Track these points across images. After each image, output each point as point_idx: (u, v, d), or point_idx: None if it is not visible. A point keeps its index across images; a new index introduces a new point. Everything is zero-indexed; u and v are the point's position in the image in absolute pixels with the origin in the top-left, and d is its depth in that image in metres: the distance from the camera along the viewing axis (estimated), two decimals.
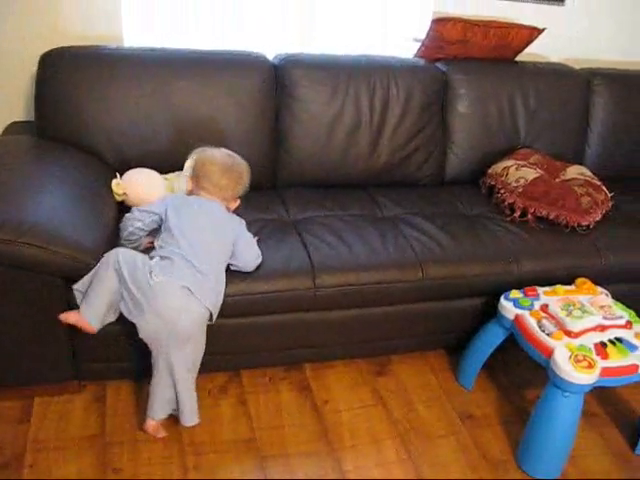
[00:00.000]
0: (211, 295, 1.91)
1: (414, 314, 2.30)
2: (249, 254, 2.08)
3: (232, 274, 2.04)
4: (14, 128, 2.54)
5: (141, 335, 1.88)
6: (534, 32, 2.80)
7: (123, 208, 2.20)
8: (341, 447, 2.08)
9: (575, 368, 1.91)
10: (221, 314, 2.04)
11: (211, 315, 1.92)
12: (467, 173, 2.81)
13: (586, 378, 1.91)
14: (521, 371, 2.45)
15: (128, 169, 2.34)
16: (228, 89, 2.48)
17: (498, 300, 2.21)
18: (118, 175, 2.30)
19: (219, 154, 2.09)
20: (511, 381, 2.43)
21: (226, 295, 2.01)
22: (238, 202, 2.14)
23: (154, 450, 2.00)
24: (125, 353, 2.10)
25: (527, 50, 2.87)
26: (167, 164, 2.40)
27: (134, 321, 1.88)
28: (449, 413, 2.26)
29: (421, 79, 2.68)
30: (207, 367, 2.21)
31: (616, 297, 2.23)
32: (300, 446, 2.08)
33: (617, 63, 3.12)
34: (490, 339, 2.25)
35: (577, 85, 2.91)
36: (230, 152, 2.12)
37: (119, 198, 2.27)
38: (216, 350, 2.16)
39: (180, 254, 1.89)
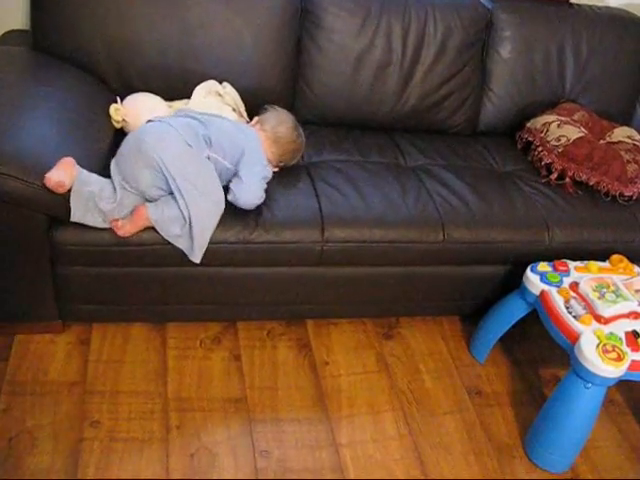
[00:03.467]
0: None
1: (430, 277, 2.10)
2: (251, 184, 1.87)
3: (231, 218, 1.84)
4: (10, 37, 2.30)
5: None
6: None
7: (122, 136, 1.99)
8: (337, 416, 1.93)
9: (602, 359, 1.72)
10: (218, 262, 1.87)
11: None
12: (503, 124, 2.55)
13: (613, 371, 1.72)
14: (540, 347, 2.27)
15: (130, 93, 2.12)
16: (247, 10, 2.21)
17: (523, 270, 2.01)
18: (119, 99, 2.08)
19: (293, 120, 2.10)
20: (527, 357, 2.25)
21: (224, 242, 1.83)
22: (273, 169, 2.02)
23: (136, 404, 1.86)
24: (111, 295, 1.95)
25: None
26: (173, 89, 2.18)
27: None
28: (457, 387, 2.10)
29: (462, 16, 2.39)
30: (201, 315, 2.07)
31: None
32: (293, 411, 1.93)
33: None
34: (510, 312, 2.06)
35: (636, 36, 2.60)
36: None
37: (118, 125, 2.06)
38: (211, 299, 2.01)
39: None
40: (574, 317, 1.83)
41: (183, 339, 2.08)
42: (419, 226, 1.98)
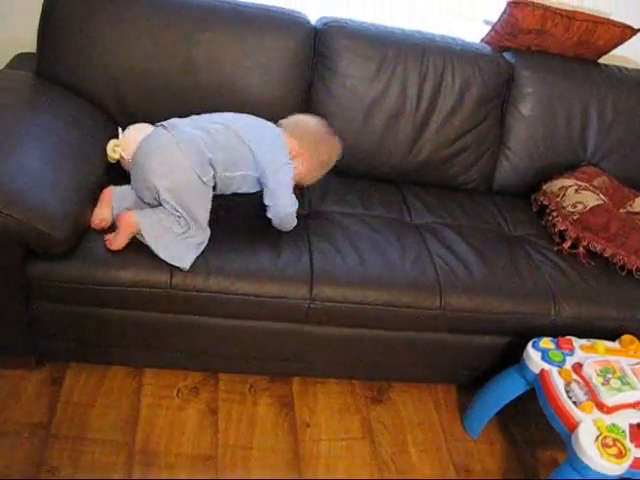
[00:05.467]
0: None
1: (425, 344, 1.98)
2: (282, 189, 1.85)
3: (214, 266, 1.75)
4: (20, 60, 2.26)
5: None
6: (626, 32, 2.37)
7: (116, 172, 1.93)
8: None
9: (601, 454, 1.58)
10: (198, 310, 1.78)
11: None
12: (519, 185, 2.43)
13: (613, 468, 1.58)
14: (540, 427, 2.12)
15: (132, 124, 2.06)
16: (258, 49, 2.14)
17: (526, 342, 1.87)
18: (120, 131, 2.01)
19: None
20: (525, 437, 2.10)
21: (204, 290, 1.74)
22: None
23: (100, 453, 1.77)
24: (88, 335, 1.86)
25: (614, 51, 2.44)
26: None
27: None
28: (445, 463, 1.96)
29: (483, 68, 2.29)
30: (181, 363, 1.98)
31: None
32: (266, 474, 1.81)
33: None
34: (508, 389, 1.92)
35: None
36: None
37: (113, 161, 1.99)
38: (191, 348, 1.92)
39: None
40: (574, 403, 1.69)
41: (160, 386, 1.98)
42: (415, 290, 1.86)
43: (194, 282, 1.73)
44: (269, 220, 1.88)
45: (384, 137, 2.27)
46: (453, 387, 2.19)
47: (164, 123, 1.83)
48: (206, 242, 1.77)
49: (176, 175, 1.73)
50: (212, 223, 1.80)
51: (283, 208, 1.85)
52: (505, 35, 2.39)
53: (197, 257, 1.75)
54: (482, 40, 2.48)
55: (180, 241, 1.72)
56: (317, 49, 2.22)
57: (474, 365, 2.07)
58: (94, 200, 1.80)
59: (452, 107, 2.29)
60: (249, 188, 1.89)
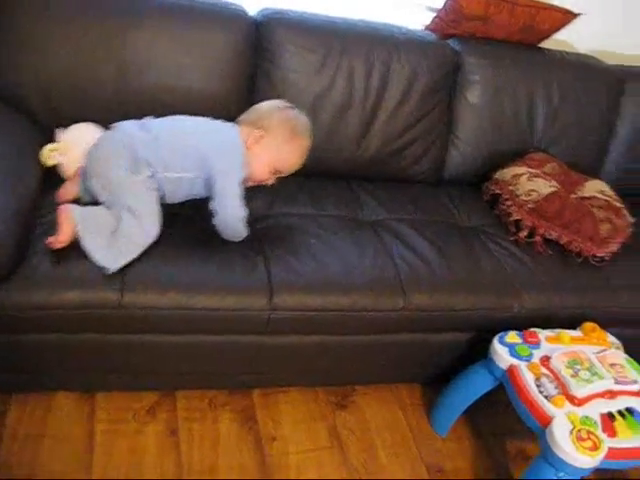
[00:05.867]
0: None
1: (388, 345, 1.92)
2: (231, 193, 1.75)
3: (166, 280, 1.64)
4: None
5: None
6: (568, 17, 2.35)
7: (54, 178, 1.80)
8: None
9: (577, 448, 1.56)
10: (151, 329, 1.67)
11: None
12: (469, 174, 2.40)
13: (589, 461, 1.56)
14: (505, 418, 2.08)
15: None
16: (195, 45, 2.02)
17: (489, 336, 1.84)
18: (57, 133, 1.87)
19: None
20: (492, 429, 2.08)
21: (158, 307, 1.62)
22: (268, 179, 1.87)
23: None
24: (31, 363, 1.72)
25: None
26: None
27: None
28: (416, 465, 1.92)
29: (429, 57, 2.23)
30: (134, 384, 1.86)
31: (626, 341, 1.91)
32: None
33: None
34: (475, 385, 1.89)
35: (607, 84, 2.47)
36: None
37: (50, 164, 1.85)
38: (145, 368, 1.81)
39: None
40: (545, 397, 1.67)
41: (114, 410, 1.86)
42: (377, 292, 1.79)
43: (147, 299, 1.61)
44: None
45: (332, 132, 2.20)
46: (417, 385, 2.15)
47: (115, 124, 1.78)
48: (144, 246, 1.65)
49: (107, 172, 1.68)
50: (162, 235, 1.69)
51: (231, 214, 1.75)
52: (449, 22, 2.34)
53: (149, 271, 1.64)
54: (426, 28, 2.42)
55: (115, 241, 1.61)
56: (258, 42, 2.11)
57: (438, 362, 2.03)
58: (31, 216, 1.66)
59: (400, 98, 2.23)
60: (199, 192, 1.78)
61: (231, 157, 1.77)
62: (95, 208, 1.68)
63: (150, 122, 1.79)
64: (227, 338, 1.76)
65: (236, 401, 1.96)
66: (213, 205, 1.75)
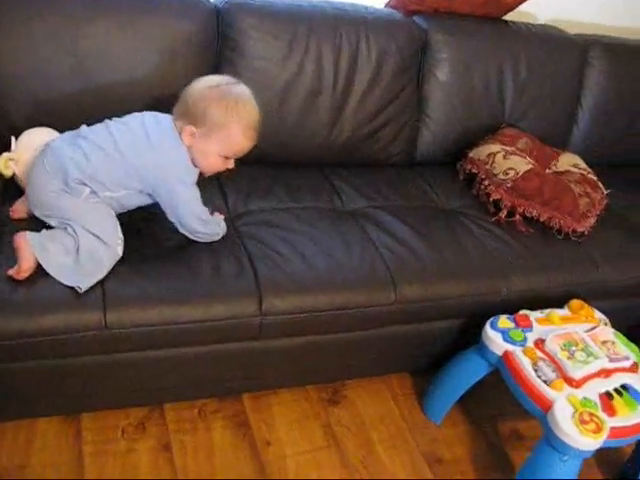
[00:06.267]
0: None
1: (379, 339, 1.88)
2: (181, 203, 1.63)
3: (153, 294, 1.55)
4: None
5: None
6: None
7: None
8: None
9: (580, 431, 1.55)
10: (136, 346, 1.58)
11: None
12: (442, 153, 2.36)
13: (592, 443, 1.56)
14: (495, 399, 2.08)
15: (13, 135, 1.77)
16: (153, 37, 1.91)
17: (478, 322, 1.82)
18: (13, 142, 1.74)
19: None
20: (484, 412, 2.07)
21: (144, 324, 1.53)
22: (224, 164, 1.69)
23: None
24: (7, 391, 1.61)
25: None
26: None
27: None
28: (414, 456, 1.89)
29: (397, 37, 2.16)
30: (120, 402, 1.77)
31: (607, 314, 1.91)
32: None
33: (610, 29, 2.68)
34: (470, 372, 1.87)
35: (571, 55, 2.45)
36: None
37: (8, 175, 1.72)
38: (132, 386, 1.72)
39: None
40: (544, 382, 1.66)
41: (101, 429, 1.76)
42: (368, 287, 1.74)
43: (131, 316, 1.52)
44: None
45: (303, 119, 2.12)
46: (407, 374, 2.12)
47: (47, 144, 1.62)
48: (112, 260, 1.55)
49: (47, 200, 1.57)
50: (134, 249, 1.60)
51: (191, 222, 1.65)
52: None
53: (129, 288, 1.54)
54: (386, 5, 2.35)
55: (79, 260, 1.51)
56: (220, 30, 2.01)
57: (428, 351, 2.01)
58: None
59: (370, 80, 2.16)
60: (153, 201, 1.66)
61: (172, 169, 1.61)
62: (53, 231, 1.56)
63: (85, 135, 1.60)
64: (216, 347, 1.69)
65: (227, 407, 1.90)
66: (170, 218, 1.64)
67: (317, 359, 1.86)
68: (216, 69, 2.02)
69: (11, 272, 1.47)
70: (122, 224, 1.60)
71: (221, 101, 1.60)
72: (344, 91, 2.14)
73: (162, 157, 1.60)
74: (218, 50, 2.02)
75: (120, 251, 1.56)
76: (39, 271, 1.49)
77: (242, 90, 1.65)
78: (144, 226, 1.71)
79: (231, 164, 1.70)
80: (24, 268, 1.47)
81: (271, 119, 2.05)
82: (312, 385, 2.01)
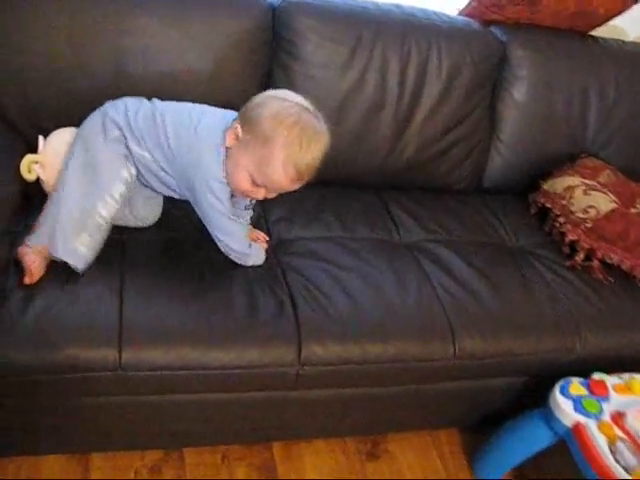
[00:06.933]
0: None
1: (431, 394, 1.66)
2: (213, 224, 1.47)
3: (164, 330, 1.36)
4: None
5: None
6: (627, 0, 2.05)
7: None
8: None
9: None
10: (158, 391, 1.39)
11: None
12: (512, 181, 2.11)
13: None
14: (559, 469, 1.84)
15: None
16: (204, 36, 1.71)
17: (545, 381, 1.59)
18: (41, 142, 1.57)
19: None
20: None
21: (166, 367, 1.34)
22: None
23: None
24: (13, 427, 1.45)
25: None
26: None
27: None
28: None
29: (472, 49, 1.92)
30: (135, 444, 1.58)
31: None
32: None
33: None
34: (531, 440, 1.64)
35: None
36: None
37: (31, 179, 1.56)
38: (151, 429, 1.53)
39: None
40: (624, 468, 1.42)
41: (112, 469, 1.59)
42: (425, 338, 1.52)
43: (150, 357, 1.34)
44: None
45: (361, 136, 1.90)
46: (455, 430, 1.89)
47: None
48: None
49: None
50: (163, 270, 1.44)
51: (224, 241, 1.48)
52: (490, 6, 2.03)
53: (151, 322, 1.36)
54: (460, 13, 2.11)
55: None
56: (276, 31, 1.80)
57: (483, 408, 1.78)
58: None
59: (439, 95, 1.93)
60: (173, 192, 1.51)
61: (206, 172, 1.40)
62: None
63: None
64: (246, 395, 1.49)
65: (254, 455, 1.70)
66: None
67: (359, 412, 1.65)
68: (268, 77, 1.82)
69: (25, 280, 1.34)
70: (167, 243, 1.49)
71: (279, 115, 1.34)
72: (410, 106, 1.91)
73: (198, 144, 1.41)
74: (272, 53, 1.81)
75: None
76: (52, 296, 1.32)
77: (313, 122, 1.36)
78: (181, 242, 1.54)
79: (261, 194, 1.42)
80: (34, 273, 1.34)
81: None
82: (350, 436, 1.80)
